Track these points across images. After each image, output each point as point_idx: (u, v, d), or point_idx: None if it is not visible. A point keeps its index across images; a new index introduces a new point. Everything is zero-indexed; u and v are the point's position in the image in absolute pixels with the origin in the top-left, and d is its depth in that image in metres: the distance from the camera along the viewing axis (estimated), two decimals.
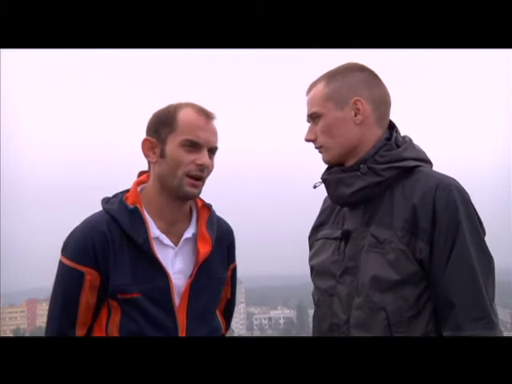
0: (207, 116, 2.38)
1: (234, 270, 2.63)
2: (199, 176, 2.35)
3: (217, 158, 2.41)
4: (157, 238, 2.37)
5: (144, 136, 2.43)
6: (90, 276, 2.31)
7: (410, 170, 2.25)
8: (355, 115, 2.27)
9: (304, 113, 2.36)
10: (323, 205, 2.51)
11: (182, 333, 2.35)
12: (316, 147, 2.34)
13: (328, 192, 2.35)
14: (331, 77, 2.32)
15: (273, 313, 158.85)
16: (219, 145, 2.41)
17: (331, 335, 2.27)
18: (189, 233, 2.44)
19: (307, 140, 2.35)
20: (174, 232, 2.42)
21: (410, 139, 2.33)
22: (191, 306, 2.39)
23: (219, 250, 2.50)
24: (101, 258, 2.31)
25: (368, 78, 2.32)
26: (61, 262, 2.37)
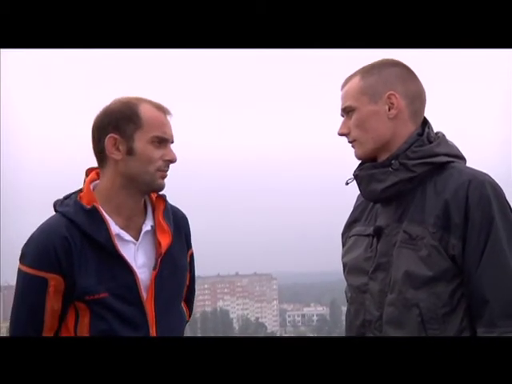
0: (165, 112, 2.41)
1: (192, 255, 2.64)
2: (167, 170, 2.40)
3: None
4: (117, 235, 2.36)
5: None
6: (54, 281, 2.29)
7: (443, 166, 2.24)
8: (389, 109, 2.27)
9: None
10: (356, 201, 2.51)
11: (151, 325, 2.36)
12: (349, 141, 2.34)
13: (360, 188, 2.34)
14: (366, 71, 2.32)
15: (306, 310, 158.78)
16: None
17: (363, 332, 2.27)
18: (147, 225, 2.44)
19: (340, 134, 2.35)
20: (132, 227, 2.42)
21: (443, 135, 2.32)
22: (158, 297, 2.39)
23: (178, 238, 2.51)
24: (64, 262, 2.29)
25: (403, 73, 2.31)
26: (20, 271, 2.35)
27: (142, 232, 2.42)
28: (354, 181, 2.36)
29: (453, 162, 2.26)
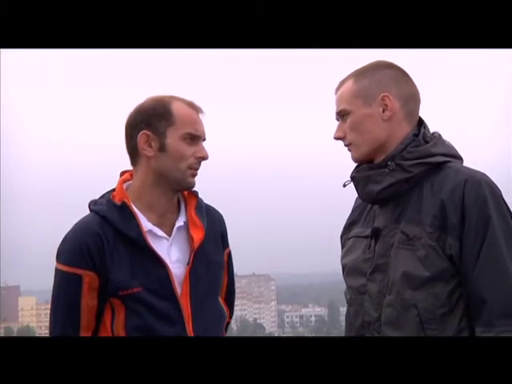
0: (197, 109, 2.44)
1: (230, 254, 2.65)
2: (199, 167, 2.42)
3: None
4: (150, 231, 2.39)
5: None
6: (88, 278, 2.34)
7: (439, 166, 2.24)
8: (383, 111, 2.27)
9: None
10: (355, 203, 2.51)
11: (187, 320, 2.37)
12: (345, 145, 2.35)
13: (357, 190, 2.35)
14: (360, 74, 2.32)
15: (304, 310, 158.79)
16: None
17: (363, 333, 2.27)
18: (180, 221, 2.46)
19: (336, 138, 2.35)
20: (165, 223, 2.44)
21: (440, 135, 2.32)
22: (193, 292, 2.41)
23: (212, 235, 2.51)
24: (97, 259, 2.33)
25: (396, 74, 2.31)
26: (57, 270, 2.40)
27: (175, 228, 2.44)
28: (352, 183, 2.36)
29: (449, 161, 2.26)
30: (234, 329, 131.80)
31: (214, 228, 2.54)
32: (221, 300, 2.57)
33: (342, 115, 2.33)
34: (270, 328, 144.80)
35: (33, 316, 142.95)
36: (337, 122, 2.37)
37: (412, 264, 2.17)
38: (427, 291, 2.15)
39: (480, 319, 2.11)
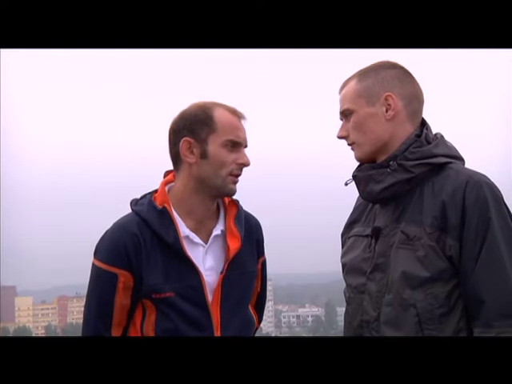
0: (240, 116, 2.44)
1: (264, 263, 2.66)
2: (240, 174, 2.42)
3: (249, 153, 2.44)
4: (187, 237, 2.40)
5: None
6: (124, 278, 2.36)
7: (441, 167, 2.24)
8: (386, 111, 2.28)
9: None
10: (356, 202, 2.51)
11: (216, 328, 2.39)
12: (348, 144, 2.36)
13: (358, 189, 2.35)
14: (363, 74, 2.33)
15: (301, 310, 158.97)
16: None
17: (361, 332, 2.28)
18: (217, 230, 2.47)
19: (339, 137, 2.36)
20: (203, 230, 2.45)
21: (442, 136, 2.33)
22: (224, 301, 2.42)
23: (248, 244, 2.53)
24: (133, 259, 2.35)
25: (400, 74, 2.32)
26: (94, 265, 2.43)
27: (212, 235, 2.45)
28: (353, 181, 2.37)
29: (451, 162, 2.26)
30: None
31: (250, 236, 2.55)
32: (251, 307, 2.59)
33: (345, 115, 2.34)
34: (267, 328, 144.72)
35: (29, 316, 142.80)
36: (340, 122, 2.37)
37: (411, 264, 2.17)
38: (426, 291, 2.16)
39: (478, 320, 2.11)
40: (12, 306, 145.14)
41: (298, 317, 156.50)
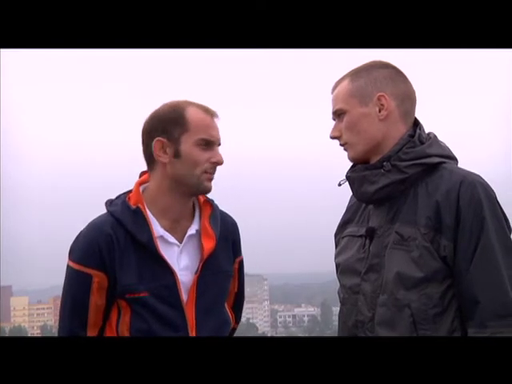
0: (213, 114, 2.43)
1: (241, 263, 2.66)
2: (214, 172, 2.42)
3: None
4: (161, 237, 2.40)
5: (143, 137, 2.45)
6: (98, 278, 2.36)
7: (434, 167, 2.24)
8: (379, 111, 2.28)
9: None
10: (349, 202, 2.51)
11: (191, 328, 2.39)
12: (340, 144, 2.35)
13: (352, 189, 2.35)
14: (355, 74, 2.32)
15: (297, 310, 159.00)
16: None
17: (356, 332, 2.28)
18: (192, 229, 2.46)
19: (332, 137, 2.36)
20: (178, 229, 2.45)
21: (435, 136, 2.32)
22: (199, 301, 2.42)
23: (224, 243, 2.52)
24: (107, 259, 2.35)
25: (392, 74, 2.32)
26: (68, 266, 2.43)
27: (187, 235, 2.45)
28: (347, 182, 2.36)
29: (444, 162, 2.26)
30: None
31: (226, 236, 2.54)
32: (227, 307, 2.58)
33: (338, 115, 2.33)
34: (263, 328, 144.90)
35: (25, 316, 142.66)
36: (333, 122, 2.36)
37: (406, 264, 2.17)
38: (420, 292, 2.16)
39: (473, 320, 2.12)
40: (8, 306, 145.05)
41: (293, 316, 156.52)
